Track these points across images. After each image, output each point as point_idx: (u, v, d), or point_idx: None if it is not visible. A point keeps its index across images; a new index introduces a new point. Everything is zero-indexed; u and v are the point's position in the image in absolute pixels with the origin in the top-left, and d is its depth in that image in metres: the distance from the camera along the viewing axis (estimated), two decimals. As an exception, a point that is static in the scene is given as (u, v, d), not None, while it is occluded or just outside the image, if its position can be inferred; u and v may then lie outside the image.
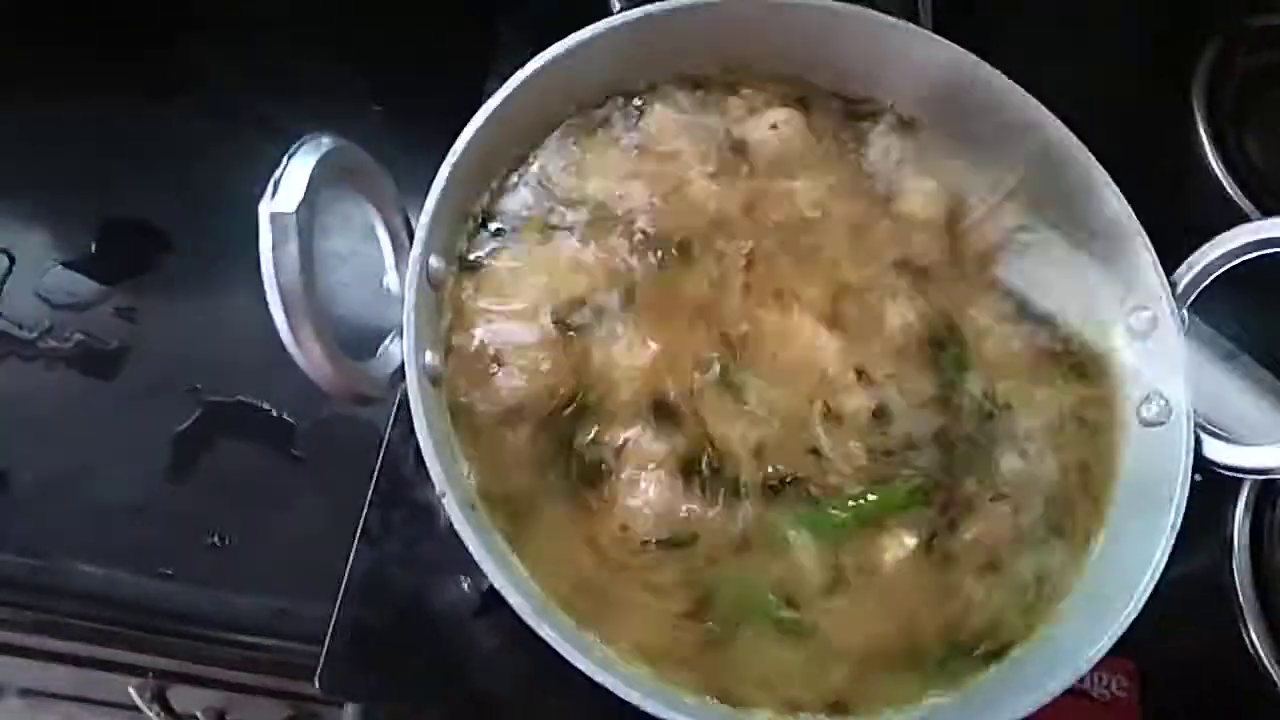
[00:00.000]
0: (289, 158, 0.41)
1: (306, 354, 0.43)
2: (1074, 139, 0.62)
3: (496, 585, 0.46)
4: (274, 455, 0.68)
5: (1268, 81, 0.88)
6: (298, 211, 0.41)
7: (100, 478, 0.67)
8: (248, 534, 0.66)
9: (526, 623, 0.46)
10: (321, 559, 0.62)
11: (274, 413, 0.69)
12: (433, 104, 0.57)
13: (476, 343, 0.54)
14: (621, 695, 0.46)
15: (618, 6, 0.59)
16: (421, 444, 0.47)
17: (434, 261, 0.52)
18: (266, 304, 0.42)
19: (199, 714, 0.89)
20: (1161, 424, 0.57)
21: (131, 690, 0.83)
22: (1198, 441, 0.56)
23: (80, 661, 0.79)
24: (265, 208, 0.40)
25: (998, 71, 0.62)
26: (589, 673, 0.46)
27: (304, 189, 0.41)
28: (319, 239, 0.43)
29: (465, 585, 0.61)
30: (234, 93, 0.79)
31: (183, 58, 0.81)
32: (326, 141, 0.43)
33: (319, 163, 0.42)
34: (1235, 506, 0.71)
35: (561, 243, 0.57)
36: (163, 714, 0.85)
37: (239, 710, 0.91)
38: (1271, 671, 0.67)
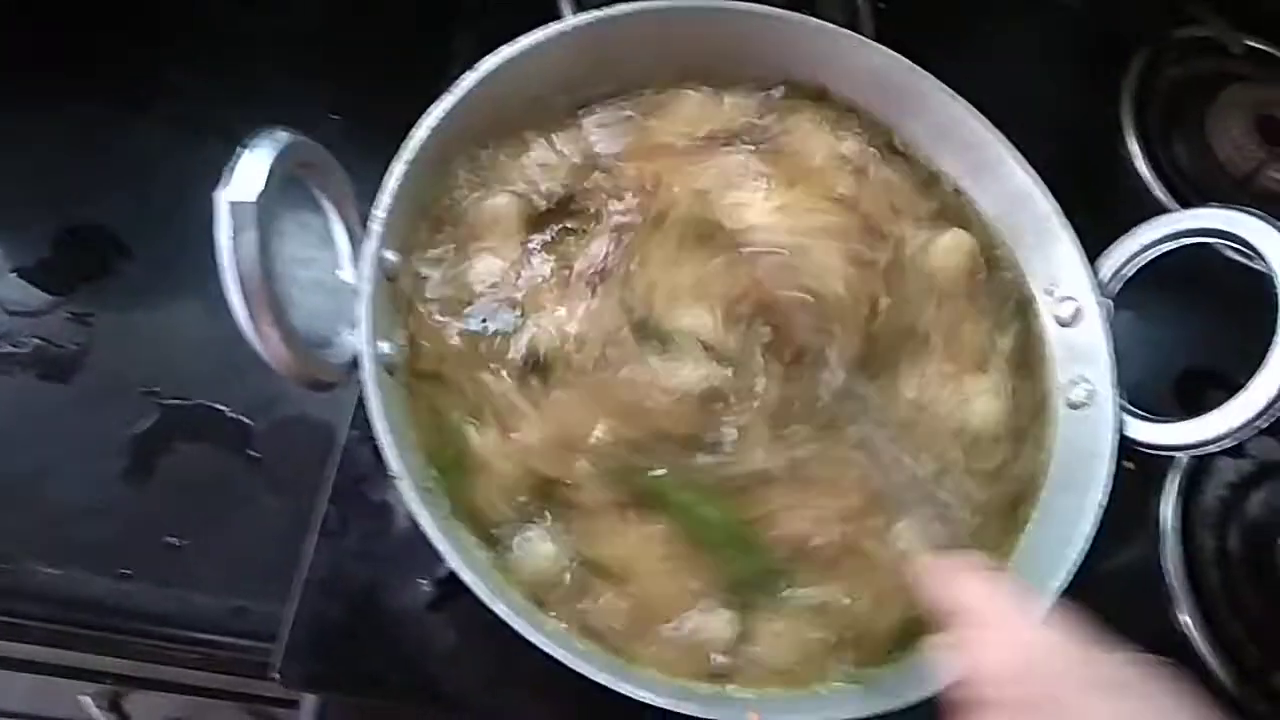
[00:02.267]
0: (244, 148, 0.43)
1: (265, 339, 0.44)
2: (1005, 141, 0.64)
3: (451, 566, 0.47)
4: (231, 456, 0.69)
5: (1193, 90, 0.92)
6: (258, 201, 0.42)
7: (58, 479, 0.67)
8: (206, 534, 0.66)
9: (485, 612, 0.47)
10: (279, 558, 0.63)
11: (231, 414, 0.70)
12: (391, 113, 0.58)
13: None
14: (578, 670, 0.47)
15: (568, 12, 0.61)
16: (376, 428, 0.48)
17: (389, 255, 0.54)
18: (222, 310, 0.43)
19: (157, 726, 0.88)
20: (1087, 407, 0.60)
21: (86, 699, 0.83)
22: (1121, 422, 0.58)
23: (36, 667, 0.79)
24: (222, 195, 0.41)
25: (930, 75, 0.65)
26: (544, 647, 0.47)
27: (263, 179, 0.43)
28: (277, 242, 0.44)
29: (423, 581, 0.62)
30: (193, 102, 0.80)
31: (142, 67, 0.81)
32: (283, 135, 0.45)
33: (277, 155, 0.44)
34: (1164, 495, 0.74)
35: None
36: (119, 724, 0.85)
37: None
38: (1203, 654, 0.69)
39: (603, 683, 0.47)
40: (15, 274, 0.73)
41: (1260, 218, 0.55)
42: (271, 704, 0.82)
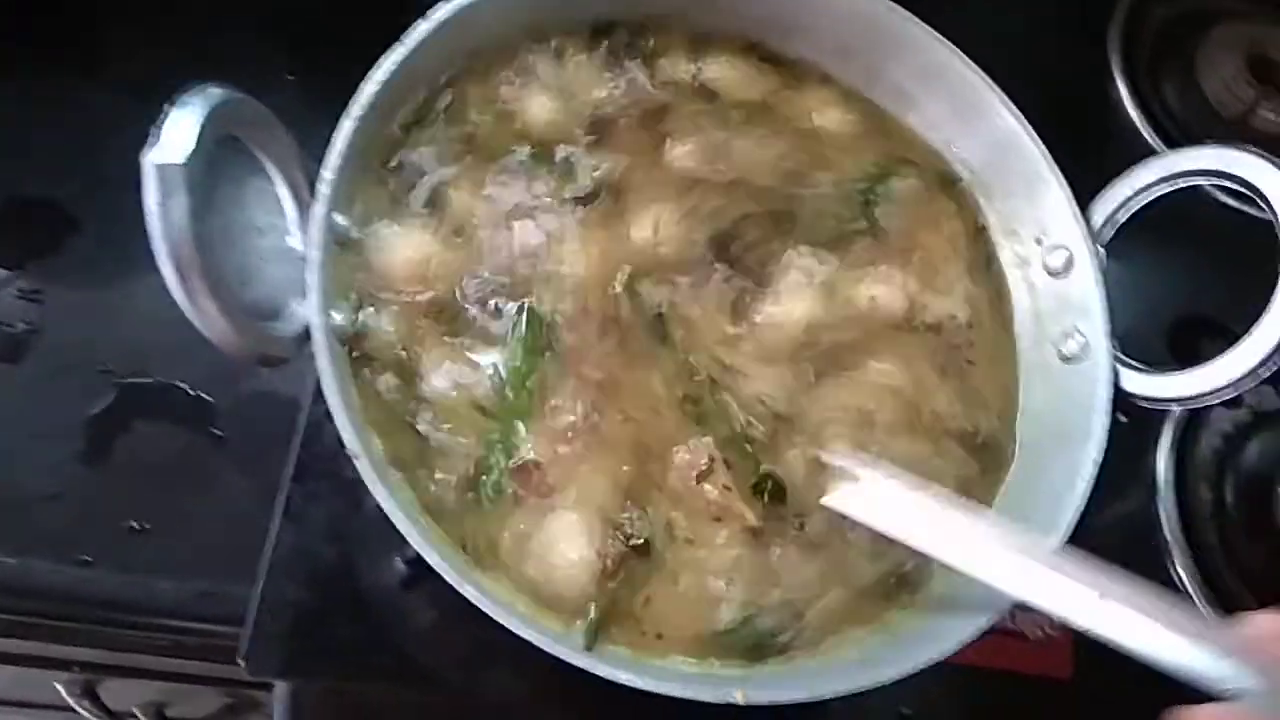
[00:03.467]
0: (171, 106, 0.40)
1: (202, 312, 0.41)
2: (992, 84, 0.62)
3: (414, 545, 0.45)
4: (192, 435, 0.66)
5: (1181, 30, 0.90)
6: (187, 163, 0.39)
7: (12, 465, 0.64)
8: (168, 517, 0.64)
9: (457, 591, 0.45)
10: (245, 539, 0.60)
11: (190, 391, 0.67)
12: (349, 72, 0.56)
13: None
14: (552, 652, 0.45)
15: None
16: (330, 404, 0.46)
17: (338, 218, 0.51)
18: (180, 283, 0.41)
19: (136, 710, 0.87)
20: (1080, 360, 0.58)
21: (59, 687, 0.81)
22: (1116, 375, 0.56)
23: (2, 659, 0.77)
24: (148, 157, 0.38)
25: (912, 16, 0.62)
26: (513, 629, 0.45)
27: (194, 140, 0.40)
28: (229, 210, 0.42)
29: (395, 559, 0.60)
30: (142, 65, 0.76)
31: (91, 34, 0.78)
32: (216, 91, 0.42)
33: (208, 113, 0.41)
34: (1159, 447, 0.73)
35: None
36: (95, 711, 0.83)
37: (178, 704, 0.89)
38: (1200, 606, 0.68)
39: (579, 665, 0.45)
40: (-39, 250, 0.70)
41: (1260, 155, 0.53)
42: (248, 687, 0.80)
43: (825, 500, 0.53)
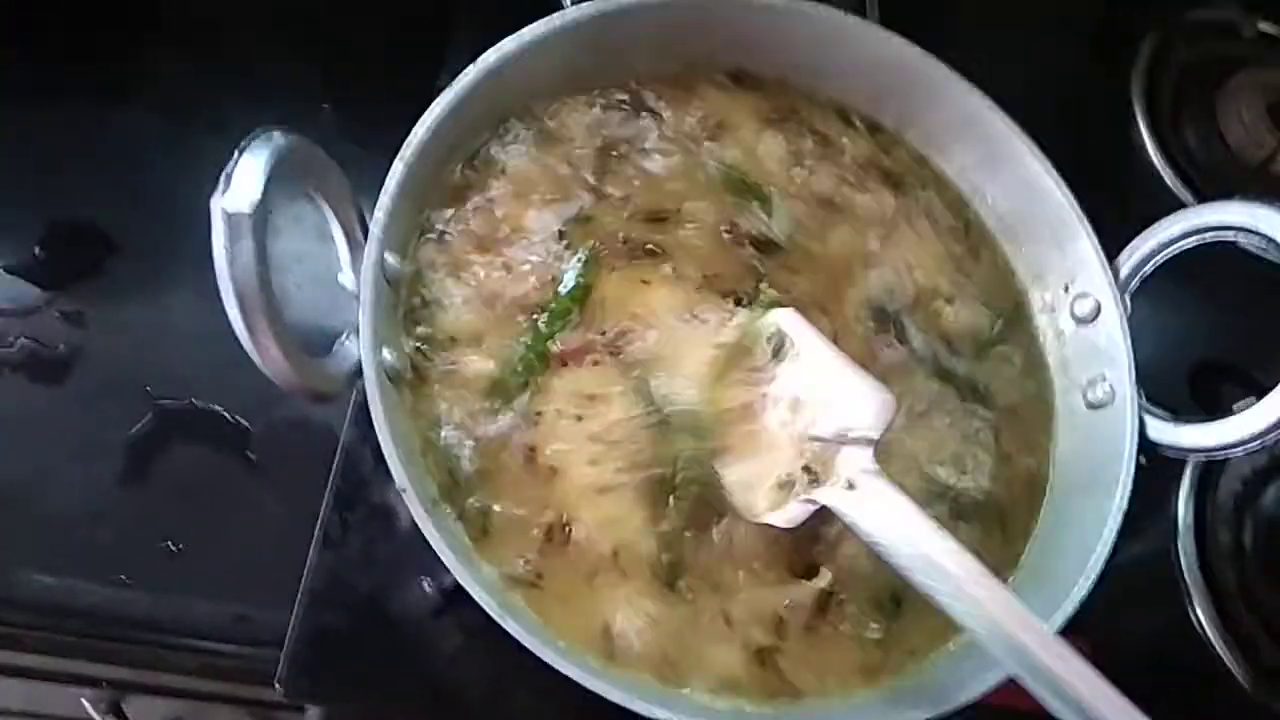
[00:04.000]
0: (240, 152, 0.41)
1: (262, 351, 0.42)
2: (1023, 134, 0.63)
3: (460, 581, 0.46)
4: (228, 459, 0.68)
5: (1204, 74, 0.90)
6: (254, 210, 0.41)
7: (51, 484, 0.66)
8: (204, 539, 0.65)
9: (489, 620, 0.46)
10: (279, 563, 0.61)
11: (228, 416, 0.69)
12: (385, 103, 0.57)
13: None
14: (587, 685, 0.46)
15: (569, 2, 0.59)
16: (381, 440, 0.47)
17: (390, 258, 0.52)
18: (218, 306, 0.42)
19: (157, 728, 0.87)
20: (1106, 406, 0.59)
21: (85, 702, 0.82)
22: (1142, 424, 0.57)
23: (33, 674, 0.78)
24: (217, 203, 0.40)
25: (942, 64, 0.63)
26: (553, 664, 0.46)
27: (260, 186, 0.41)
28: (271, 239, 0.43)
29: (426, 585, 0.61)
30: (183, 94, 0.78)
31: (132, 59, 0.80)
32: (279, 136, 0.43)
33: (272, 158, 0.42)
34: (1179, 490, 0.73)
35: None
36: (119, 726, 0.84)
37: (199, 721, 0.90)
38: (1218, 649, 0.69)
39: (615, 701, 0.46)
40: (3, 270, 0.71)
41: (1285, 212, 0.54)
42: (275, 708, 0.81)
43: (823, 497, 0.51)
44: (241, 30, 0.82)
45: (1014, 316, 0.65)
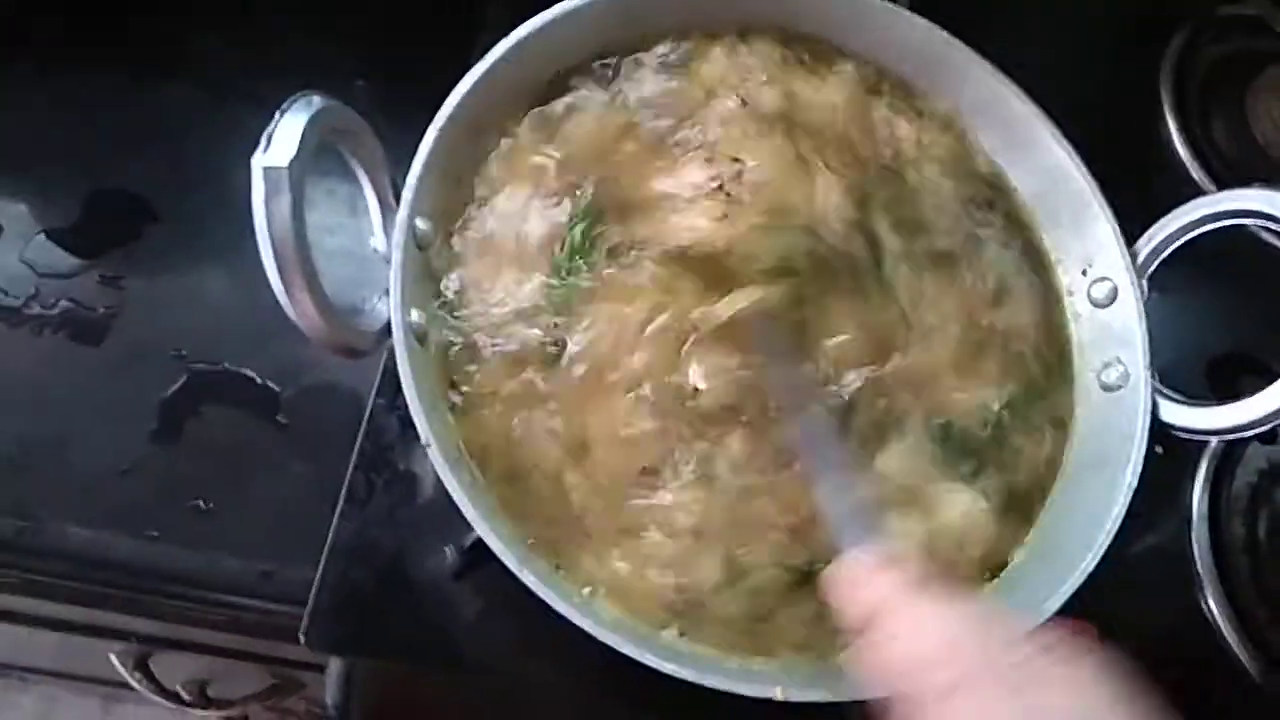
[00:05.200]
0: (281, 113, 0.43)
1: (297, 305, 0.44)
2: (1044, 118, 0.64)
3: (479, 532, 0.48)
4: (258, 421, 0.69)
5: (1233, 69, 0.90)
6: (290, 166, 0.42)
7: (87, 441, 0.67)
8: (233, 498, 0.67)
9: (509, 586, 0.47)
10: (305, 523, 0.63)
11: (258, 380, 0.70)
12: (419, 77, 0.58)
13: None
14: (601, 639, 0.48)
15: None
16: (407, 395, 0.48)
17: (420, 223, 0.53)
18: (251, 276, 0.43)
19: (180, 688, 0.89)
20: (1120, 388, 0.59)
21: (113, 657, 0.84)
22: (1155, 405, 0.58)
23: (64, 626, 0.80)
24: (258, 160, 0.41)
25: (967, 48, 0.64)
26: (569, 616, 0.47)
27: (297, 144, 0.43)
28: (318, 209, 0.44)
29: (448, 549, 0.62)
30: (220, 67, 0.80)
31: (169, 33, 0.81)
32: (318, 100, 0.45)
33: (310, 119, 0.44)
34: (1194, 481, 0.73)
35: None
36: (145, 682, 0.86)
37: (221, 682, 0.92)
38: (1229, 640, 0.69)
39: (629, 654, 0.47)
40: (45, 236, 0.73)
41: (1305, 200, 0.54)
42: (297, 667, 0.83)
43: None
44: (277, 8, 0.83)
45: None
